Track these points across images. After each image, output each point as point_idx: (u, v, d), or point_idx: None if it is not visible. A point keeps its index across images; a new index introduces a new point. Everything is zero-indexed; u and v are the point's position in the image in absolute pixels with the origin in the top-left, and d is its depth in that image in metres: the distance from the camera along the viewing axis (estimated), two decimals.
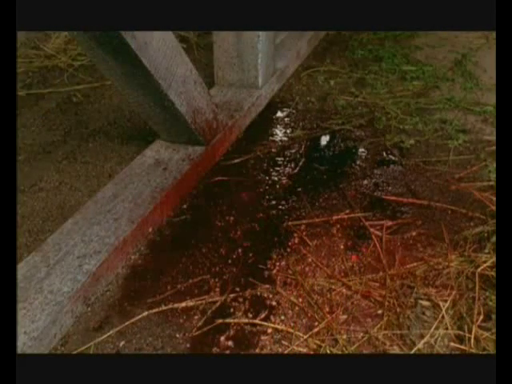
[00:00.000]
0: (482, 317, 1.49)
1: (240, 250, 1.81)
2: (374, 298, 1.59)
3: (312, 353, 1.43)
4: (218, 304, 1.58)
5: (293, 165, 2.32)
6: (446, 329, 1.47)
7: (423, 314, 1.53)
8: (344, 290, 1.63)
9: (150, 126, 2.27)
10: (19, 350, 1.31)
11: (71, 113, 2.78)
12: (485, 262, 1.68)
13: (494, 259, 1.68)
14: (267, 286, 1.66)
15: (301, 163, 2.33)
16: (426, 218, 1.95)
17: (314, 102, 2.90)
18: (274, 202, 2.06)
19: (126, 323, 1.52)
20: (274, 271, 1.71)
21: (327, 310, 1.56)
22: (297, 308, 1.58)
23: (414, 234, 1.87)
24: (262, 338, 1.48)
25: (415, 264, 1.72)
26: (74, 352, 1.43)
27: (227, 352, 1.44)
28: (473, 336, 1.43)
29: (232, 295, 1.62)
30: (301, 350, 1.44)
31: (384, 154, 2.40)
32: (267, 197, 2.10)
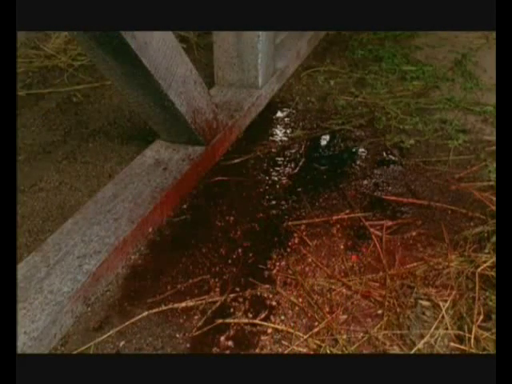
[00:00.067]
0: (482, 317, 1.49)
1: (240, 250, 1.81)
2: (374, 298, 1.59)
3: (312, 353, 1.43)
4: (218, 304, 1.58)
5: (293, 165, 2.32)
6: (446, 329, 1.47)
7: (423, 314, 1.53)
8: (344, 290, 1.63)
9: (150, 126, 2.27)
10: (19, 350, 1.31)
11: (71, 113, 2.78)
12: (485, 262, 1.68)
13: (493, 259, 1.68)
14: (267, 285, 1.66)
15: (301, 163, 2.33)
16: (426, 218, 1.96)
17: (314, 102, 2.90)
18: (274, 202, 2.06)
19: (126, 323, 1.52)
20: (274, 271, 1.71)
21: (327, 310, 1.56)
22: (297, 308, 1.58)
23: (414, 233, 1.87)
24: (262, 338, 1.48)
25: (415, 264, 1.72)
26: (74, 352, 1.43)
27: (227, 352, 1.44)
28: (473, 336, 1.43)
29: (232, 295, 1.62)
30: (301, 350, 1.44)
31: (384, 153, 2.40)
32: (267, 197, 2.10)
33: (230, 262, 1.76)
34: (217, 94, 2.66)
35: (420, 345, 1.42)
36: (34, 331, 1.36)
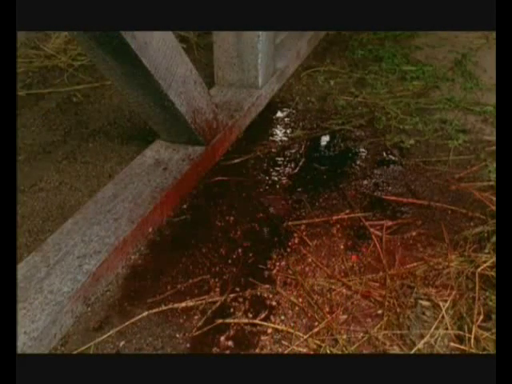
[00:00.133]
0: (482, 317, 1.49)
1: (240, 250, 1.81)
2: (374, 298, 1.59)
3: (312, 353, 1.43)
4: (218, 304, 1.58)
5: (293, 165, 2.32)
6: (446, 329, 1.47)
7: (423, 313, 1.53)
8: (344, 290, 1.63)
9: (150, 126, 2.27)
10: (19, 350, 1.31)
11: (71, 113, 2.78)
12: (485, 262, 1.68)
13: (493, 259, 1.68)
14: (267, 285, 1.66)
15: (301, 163, 2.33)
16: (426, 218, 1.95)
17: (314, 101, 2.90)
18: (274, 202, 2.06)
19: (126, 323, 1.52)
20: (274, 271, 1.71)
21: (327, 310, 1.56)
22: (297, 308, 1.58)
23: (414, 233, 1.87)
24: (262, 338, 1.48)
25: (415, 264, 1.72)
26: (74, 352, 1.43)
27: (227, 352, 1.44)
28: (473, 336, 1.43)
29: (232, 295, 1.62)
30: (301, 350, 1.44)
31: (384, 153, 2.40)
32: (267, 197, 2.10)
33: (230, 262, 1.76)
34: (217, 94, 2.66)
35: (420, 345, 1.42)
36: (34, 331, 1.36)
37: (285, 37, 3.33)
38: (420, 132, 2.56)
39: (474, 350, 1.40)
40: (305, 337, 1.47)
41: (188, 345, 1.46)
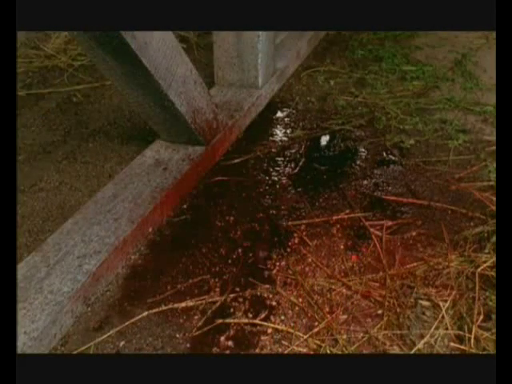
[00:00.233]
0: (482, 317, 1.49)
1: (240, 250, 1.81)
2: (374, 298, 1.59)
3: (312, 353, 1.43)
4: (218, 304, 1.58)
5: (293, 165, 2.32)
6: (446, 329, 1.47)
7: (423, 314, 1.53)
8: (344, 290, 1.63)
9: (150, 126, 2.27)
10: (19, 350, 1.31)
11: (71, 113, 2.78)
12: (485, 262, 1.68)
13: (494, 259, 1.68)
14: (267, 286, 1.66)
15: (301, 163, 2.33)
16: (426, 217, 1.95)
17: (314, 101, 2.90)
18: (274, 202, 2.06)
19: (126, 323, 1.52)
20: (274, 271, 1.71)
21: (327, 310, 1.56)
22: (297, 308, 1.58)
23: (413, 233, 1.87)
24: (262, 338, 1.48)
25: (415, 264, 1.72)
26: (74, 352, 1.43)
27: (227, 352, 1.44)
28: (473, 336, 1.43)
29: (232, 295, 1.62)
30: (301, 350, 1.44)
31: (384, 153, 2.40)
32: (267, 197, 2.10)
33: (230, 262, 1.76)
34: (217, 94, 2.66)
35: (420, 345, 1.42)
36: (34, 331, 1.36)
37: (285, 37, 3.33)
38: (420, 132, 2.56)
39: (473, 350, 1.40)
40: (305, 337, 1.47)
41: (188, 345, 1.46)
